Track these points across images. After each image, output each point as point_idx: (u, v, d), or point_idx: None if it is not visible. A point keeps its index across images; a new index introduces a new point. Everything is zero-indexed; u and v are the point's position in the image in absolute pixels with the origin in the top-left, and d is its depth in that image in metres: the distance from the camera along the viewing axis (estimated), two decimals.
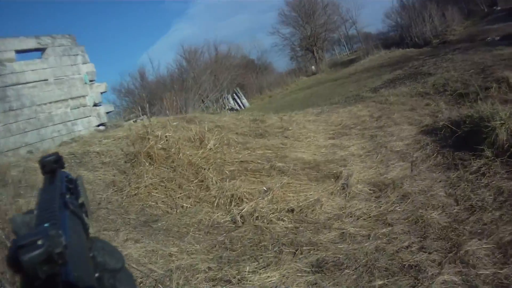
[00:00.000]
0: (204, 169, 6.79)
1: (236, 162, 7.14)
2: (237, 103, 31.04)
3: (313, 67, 41.34)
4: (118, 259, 0.76)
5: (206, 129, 7.96)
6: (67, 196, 0.72)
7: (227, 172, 6.71)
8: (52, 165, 0.79)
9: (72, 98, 9.84)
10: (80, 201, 0.78)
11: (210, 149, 7.35)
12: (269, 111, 21.99)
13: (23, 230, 0.61)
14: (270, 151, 7.87)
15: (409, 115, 9.69)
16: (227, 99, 30.63)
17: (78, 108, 9.92)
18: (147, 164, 6.91)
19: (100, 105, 10.45)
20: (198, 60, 34.75)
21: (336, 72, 31.76)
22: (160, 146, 7.21)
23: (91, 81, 10.29)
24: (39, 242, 0.49)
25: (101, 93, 10.63)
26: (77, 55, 10.34)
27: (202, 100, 29.26)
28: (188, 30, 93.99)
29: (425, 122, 8.61)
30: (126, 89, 33.18)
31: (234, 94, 31.35)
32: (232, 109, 30.51)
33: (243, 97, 31.42)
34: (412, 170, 6.31)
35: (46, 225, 0.56)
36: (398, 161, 6.79)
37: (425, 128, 8.15)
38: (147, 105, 29.51)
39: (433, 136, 7.47)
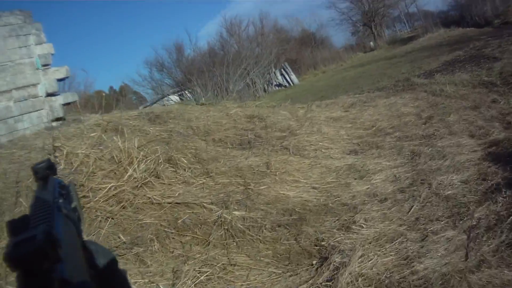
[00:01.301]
0: (106, 219, 3.88)
1: (167, 204, 4.13)
2: (285, 79, 28.09)
3: (371, 43, 37.72)
4: (111, 260, 0.77)
5: (135, 144, 4.89)
6: (60, 201, 0.69)
7: (132, 229, 3.72)
8: (44, 172, 0.74)
9: (17, 89, 7.26)
10: (72, 205, 0.74)
11: (134, 178, 4.39)
12: (310, 92, 18.99)
13: (17, 232, 0.54)
14: (239, 180, 4.76)
15: (470, 117, 6.12)
16: (275, 74, 28.05)
17: (25, 100, 7.34)
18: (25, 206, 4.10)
19: (57, 95, 7.84)
20: (243, 33, 31.55)
21: (393, 49, 28.05)
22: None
23: (44, 65, 7.66)
24: (35, 239, 0.49)
25: (59, 80, 7.99)
26: (29, 34, 7.67)
27: (248, 72, 26.54)
28: (249, 3, 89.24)
29: (493, 135, 5.10)
30: (161, 64, 29.85)
31: (282, 70, 28.22)
32: (279, 85, 28.21)
33: (292, 73, 28.18)
34: (467, 257, 2.97)
35: (40, 225, 0.55)
36: (446, 225, 3.40)
37: (494, 149, 4.65)
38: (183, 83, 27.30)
39: (507, 170, 4.01)
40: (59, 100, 7.79)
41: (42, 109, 7.59)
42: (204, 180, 4.67)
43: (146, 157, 4.64)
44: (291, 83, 27.98)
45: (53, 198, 0.67)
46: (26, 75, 7.45)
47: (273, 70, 27.95)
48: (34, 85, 7.53)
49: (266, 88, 27.76)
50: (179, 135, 6.14)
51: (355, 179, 4.89)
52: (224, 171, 4.92)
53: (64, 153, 4.70)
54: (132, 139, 4.82)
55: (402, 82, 11.19)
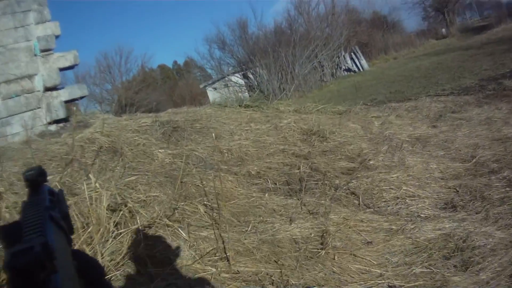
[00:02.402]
0: None
1: None
2: (355, 64, 26.43)
3: (443, 29, 37.94)
4: (99, 270, 0.81)
5: (103, 203, 3.14)
6: (51, 209, 0.68)
7: None
8: (35, 179, 0.74)
9: (7, 82, 5.82)
10: (62, 214, 0.74)
11: None
12: (381, 82, 16.85)
13: (11, 239, 0.59)
14: (272, 271, 2.93)
15: None
16: (344, 58, 26.44)
17: (17, 96, 5.92)
18: None
19: (59, 89, 6.34)
20: (312, 11, 29.25)
21: (466, 38, 27.18)
22: None
23: (45, 51, 6.16)
24: (33, 251, 0.50)
25: (63, 69, 6.50)
26: (28, 11, 6.19)
27: (316, 55, 24.73)
28: None
29: None
30: (222, 41, 27.99)
31: (352, 53, 26.51)
32: (349, 69, 26.72)
33: (362, 58, 26.49)
34: None
35: (34, 236, 0.56)
36: None
37: None
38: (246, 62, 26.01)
39: None
40: (61, 96, 6.33)
41: (39, 107, 6.17)
42: (214, 269, 2.90)
43: (119, 225, 2.93)
44: (360, 68, 26.39)
45: (44, 206, 0.67)
46: (20, 64, 6.01)
47: (343, 53, 26.37)
48: (30, 76, 6.09)
49: (334, 72, 26.24)
50: (198, 164, 4.41)
51: (456, 268, 2.93)
52: (250, 248, 3.11)
53: (3, 206, 3.14)
54: (104, 195, 3.10)
55: (490, 83, 9.50)
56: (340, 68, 26.70)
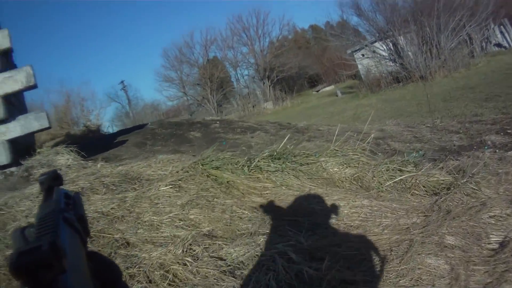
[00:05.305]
0: None
1: None
2: (505, 38, 23.22)
3: None
4: (116, 272, 0.77)
5: None
6: (66, 212, 0.66)
7: None
8: (50, 182, 0.72)
9: None
10: (78, 216, 0.70)
11: None
12: None
13: (22, 242, 0.57)
14: None
15: None
16: (494, 31, 23.18)
17: None
18: None
19: (8, 122, 4.39)
20: None
21: None
22: None
23: None
24: (40, 249, 0.47)
25: (11, 94, 4.50)
26: None
27: (464, 25, 22.01)
28: None
29: None
30: (358, 7, 25.04)
31: (502, 26, 23.14)
32: (499, 45, 23.45)
33: None
34: None
35: (46, 235, 0.53)
36: None
37: None
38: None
39: None
40: (10, 131, 4.45)
41: None
42: None
43: None
44: (510, 44, 23.03)
45: (58, 209, 0.64)
46: None
47: (492, 25, 22.89)
48: None
49: (484, 46, 22.73)
50: None
51: None
52: None
53: None
54: None
55: None
56: (490, 42, 23.16)
